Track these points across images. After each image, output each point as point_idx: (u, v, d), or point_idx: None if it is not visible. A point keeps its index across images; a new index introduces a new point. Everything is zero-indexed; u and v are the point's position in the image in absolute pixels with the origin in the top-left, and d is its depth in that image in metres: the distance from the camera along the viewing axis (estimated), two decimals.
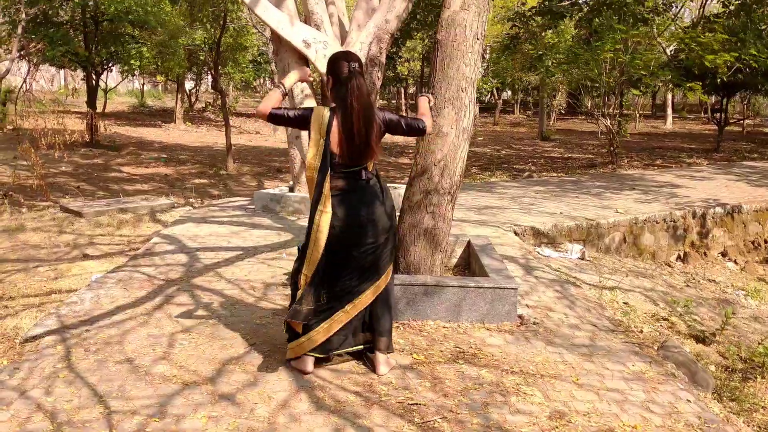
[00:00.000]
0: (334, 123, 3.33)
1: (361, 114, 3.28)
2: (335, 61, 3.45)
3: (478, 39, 4.59)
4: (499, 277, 4.54)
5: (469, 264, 5.46)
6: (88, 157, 15.64)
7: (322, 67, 7.60)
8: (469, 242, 5.53)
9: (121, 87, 38.45)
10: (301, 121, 3.43)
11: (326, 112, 3.37)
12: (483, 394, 3.35)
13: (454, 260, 5.58)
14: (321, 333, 3.46)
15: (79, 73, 22.86)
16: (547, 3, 14.98)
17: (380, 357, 3.56)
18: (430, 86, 4.68)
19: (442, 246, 4.65)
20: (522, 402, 3.28)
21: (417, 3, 14.24)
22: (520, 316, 4.52)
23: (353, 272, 3.46)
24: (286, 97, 3.64)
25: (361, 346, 3.63)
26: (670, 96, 34.82)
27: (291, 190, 8.40)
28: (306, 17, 7.81)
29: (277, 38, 7.61)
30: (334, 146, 3.34)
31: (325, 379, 3.46)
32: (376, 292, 3.52)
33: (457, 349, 3.92)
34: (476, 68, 4.61)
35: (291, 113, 3.45)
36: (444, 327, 4.28)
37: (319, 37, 7.47)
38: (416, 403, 3.22)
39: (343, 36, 8.00)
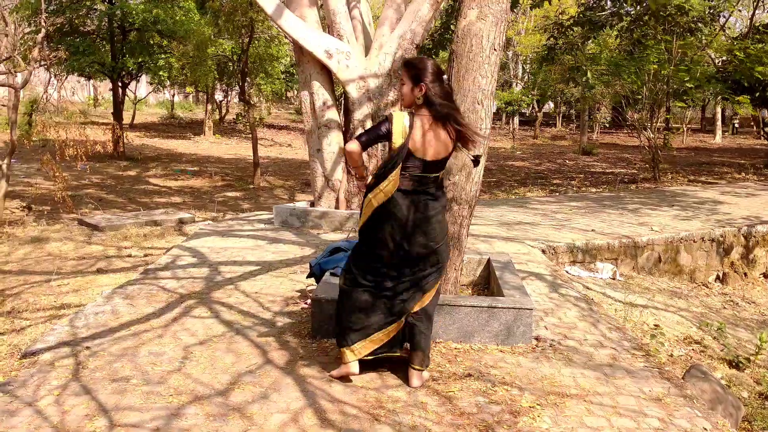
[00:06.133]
0: (416, 126, 3.40)
1: (452, 118, 3.40)
2: (416, 67, 3.48)
3: (495, 50, 4.44)
4: (515, 297, 4.36)
5: (489, 283, 5.28)
6: (113, 170, 15.93)
7: (344, 76, 7.54)
8: (489, 260, 5.36)
9: (152, 98, 38.79)
10: (386, 135, 3.45)
11: (406, 118, 3.43)
12: (492, 417, 3.19)
13: (474, 279, 5.42)
14: (376, 341, 3.56)
15: (107, 84, 23.11)
16: (586, 13, 14.68)
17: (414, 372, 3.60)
18: None
19: (456, 265, 4.49)
20: (529, 428, 3.11)
21: (450, 13, 14.11)
22: (536, 338, 4.33)
23: (404, 281, 3.51)
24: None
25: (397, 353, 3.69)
26: (719, 110, 33.84)
27: (312, 204, 8.31)
28: (329, 27, 7.72)
29: (298, 49, 7.54)
30: (414, 148, 3.41)
31: (334, 395, 3.40)
32: (422, 305, 3.58)
33: (469, 370, 3.77)
34: (493, 80, 4.46)
35: (376, 133, 3.47)
36: (456, 348, 4.13)
37: (342, 48, 7.37)
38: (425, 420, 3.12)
39: (368, 46, 7.90)
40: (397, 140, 3.39)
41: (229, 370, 3.69)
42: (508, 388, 3.54)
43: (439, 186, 3.57)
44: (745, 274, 8.17)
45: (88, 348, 3.99)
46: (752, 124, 37.83)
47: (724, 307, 6.85)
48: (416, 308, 3.57)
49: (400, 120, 3.41)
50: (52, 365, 3.73)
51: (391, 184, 3.40)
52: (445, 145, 3.46)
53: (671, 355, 5.08)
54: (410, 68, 3.51)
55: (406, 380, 3.57)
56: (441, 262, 3.58)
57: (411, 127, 3.39)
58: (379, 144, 7.82)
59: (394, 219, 3.43)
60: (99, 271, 6.34)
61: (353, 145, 3.43)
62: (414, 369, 3.55)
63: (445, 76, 3.47)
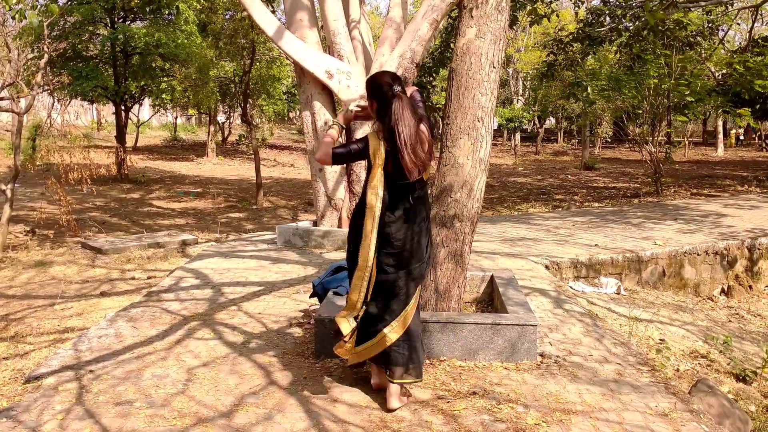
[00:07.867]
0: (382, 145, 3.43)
1: (408, 135, 3.32)
2: (376, 84, 3.49)
3: (494, 67, 4.47)
4: (519, 314, 4.34)
5: (492, 299, 5.27)
6: (116, 192, 15.99)
7: (345, 96, 7.59)
8: (492, 277, 5.35)
9: (155, 121, 38.92)
10: (361, 153, 3.48)
11: (380, 137, 3.44)
12: None
13: (477, 295, 5.40)
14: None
15: (110, 108, 23.19)
16: (585, 29, 14.76)
17: (392, 387, 3.47)
18: (445, 116, 4.58)
19: (459, 282, 4.49)
20: None
21: (450, 32, 14.19)
22: (541, 354, 4.31)
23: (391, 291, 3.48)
24: (343, 131, 3.77)
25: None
26: (721, 122, 33.88)
27: (315, 224, 8.32)
28: (329, 48, 7.78)
29: (299, 69, 7.60)
30: (388, 166, 3.43)
31: (338, 416, 3.38)
32: (405, 322, 3.49)
33: (474, 388, 3.74)
34: (493, 97, 4.49)
35: (352, 149, 3.49)
36: (460, 366, 4.11)
37: (342, 68, 7.43)
38: None
39: (369, 66, 7.95)
40: (374, 161, 3.46)
41: (233, 391, 3.68)
42: (513, 405, 3.52)
43: (419, 197, 3.53)
44: (750, 287, 8.13)
45: (91, 371, 3.98)
46: (753, 137, 37.87)
47: (730, 321, 6.81)
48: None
49: (374, 140, 3.47)
50: (56, 389, 3.72)
51: (376, 178, 3.42)
52: None
53: (677, 370, 5.04)
54: (371, 84, 3.57)
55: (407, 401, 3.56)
56: (409, 268, 3.51)
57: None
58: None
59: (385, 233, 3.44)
60: (102, 294, 6.34)
61: (324, 156, 3.49)
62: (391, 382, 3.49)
63: (397, 87, 3.40)
